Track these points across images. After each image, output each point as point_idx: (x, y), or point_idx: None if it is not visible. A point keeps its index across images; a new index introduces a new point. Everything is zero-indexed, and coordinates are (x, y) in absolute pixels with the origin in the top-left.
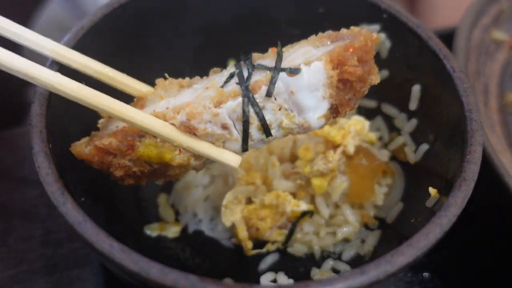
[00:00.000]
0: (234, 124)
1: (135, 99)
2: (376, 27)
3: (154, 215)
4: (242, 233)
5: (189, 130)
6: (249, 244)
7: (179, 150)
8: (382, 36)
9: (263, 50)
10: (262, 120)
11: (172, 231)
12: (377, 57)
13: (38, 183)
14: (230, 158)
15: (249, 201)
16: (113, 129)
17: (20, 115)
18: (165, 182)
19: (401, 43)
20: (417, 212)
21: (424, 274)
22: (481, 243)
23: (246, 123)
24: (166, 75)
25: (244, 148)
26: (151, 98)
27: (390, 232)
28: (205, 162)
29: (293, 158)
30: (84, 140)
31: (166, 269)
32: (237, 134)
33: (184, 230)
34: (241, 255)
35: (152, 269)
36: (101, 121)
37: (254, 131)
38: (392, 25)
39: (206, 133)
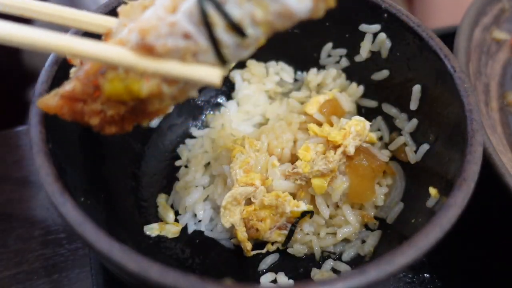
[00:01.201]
0: (197, 30)
1: (102, 37)
2: (377, 26)
3: (154, 215)
4: (242, 234)
5: (148, 50)
6: (248, 246)
7: (146, 78)
8: (383, 35)
9: (263, 50)
10: (225, 16)
11: (172, 232)
12: (378, 57)
13: (38, 183)
14: (207, 73)
15: (248, 202)
16: (73, 74)
17: (20, 115)
18: (164, 183)
19: (401, 42)
20: (417, 212)
21: (424, 274)
22: (481, 243)
23: (207, 26)
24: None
25: (221, 58)
26: (116, 31)
27: (390, 232)
28: (184, 87)
29: (293, 158)
30: (53, 92)
31: (166, 269)
32: (205, 42)
33: (183, 230)
34: (241, 255)
35: (152, 269)
36: (72, 70)
37: (223, 34)
38: (393, 25)
39: (168, 49)
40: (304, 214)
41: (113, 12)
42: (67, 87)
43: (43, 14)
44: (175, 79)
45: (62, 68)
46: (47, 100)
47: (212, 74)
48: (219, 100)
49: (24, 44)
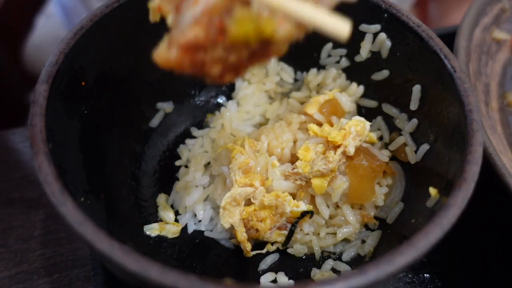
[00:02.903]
0: None
1: None
2: (377, 26)
3: (154, 215)
4: (241, 235)
5: None
6: (248, 246)
7: (279, 19)
8: (383, 35)
9: None
10: None
11: (172, 232)
12: (378, 57)
13: (38, 183)
14: (339, 25)
15: (248, 202)
16: (190, 19)
17: (20, 115)
18: (164, 183)
19: (401, 43)
20: (417, 212)
21: (424, 274)
22: (481, 243)
23: None
24: None
25: None
26: None
27: (390, 232)
28: (307, 31)
29: (293, 158)
30: (163, 44)
31: (166, 269)
32: None
33: (183, 230)
34: (241, 255)
35: (152, 269)
36: (169, 20)
37: None
38: (393, 25)
39: None
40: (304, 214)
41: (113, 11)
42: (188, 34)
43: None
44: (307, 24)
45: (62, 68)
46: (165, 54)
47: (342, 28)
48: (219, 100)
49: None
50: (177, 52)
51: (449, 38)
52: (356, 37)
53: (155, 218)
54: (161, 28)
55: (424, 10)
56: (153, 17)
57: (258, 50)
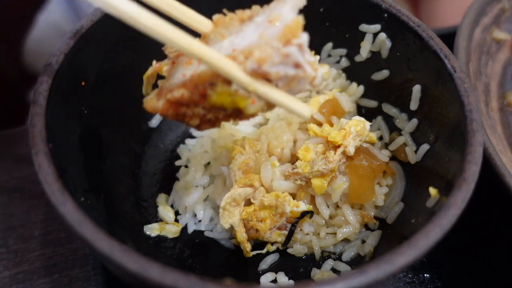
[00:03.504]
0: (305, 62)
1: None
2: (377, 26)
3: (154, 215)
4: (241, 235)
5: (262, 76)
6: (248, 247)
7: (253, 99)
8: (383, 35)
9: None
10: None
11: (172, 231)
12: (378, 57)
13: (38, 183)
14: (303, 108)
15: (248, 202)
16: (180, 78)
17: (20, 115)
18: (164, 183)
19: (401, 42)
20: (417, 212)
21: (424, 274)
22: (481, 243)
23: None
24: (224, 10)
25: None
26: (213, 37)
27: (391, 232)
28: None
29: (293, 158)
30: (154, 93)
31: (166, 269)
32: (311, 70)
33: (183, 230)
34: (241, 255)
35: (152, 269)
36: (165, 68)
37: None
38: (393, 25)
39: (280, 76)
40: (304, 214)
41: None
42: (175, 93)
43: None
44: (278, 106)
45: (62, 68)
46: (153, 103)
47: (305, 110)
48: None
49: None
50: (163, 104)
51: (449, 38)
52: (356, 37)
53: (155, 218)
54: None
55: (412, 2)
56: (146, 90)
57: (233, 113)
